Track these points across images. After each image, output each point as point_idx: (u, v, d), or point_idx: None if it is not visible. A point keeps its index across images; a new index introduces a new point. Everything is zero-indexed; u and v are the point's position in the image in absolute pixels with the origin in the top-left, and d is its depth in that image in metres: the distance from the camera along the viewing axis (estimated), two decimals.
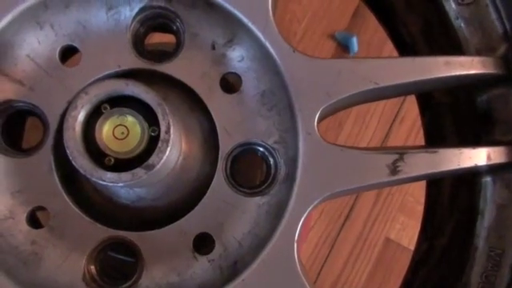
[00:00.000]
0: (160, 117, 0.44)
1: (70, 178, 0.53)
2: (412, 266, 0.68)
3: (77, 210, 0.52)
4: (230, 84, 0.54)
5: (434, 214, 0.68)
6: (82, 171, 0.43)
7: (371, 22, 1.52)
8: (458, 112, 0.62)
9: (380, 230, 1.50)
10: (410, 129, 1.51)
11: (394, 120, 1.52)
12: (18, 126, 0.57)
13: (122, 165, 0.45)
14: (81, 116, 0.44)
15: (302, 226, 0.49)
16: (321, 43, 1.52)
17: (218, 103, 0.53)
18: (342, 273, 1.49)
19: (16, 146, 0.54)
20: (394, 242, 1.49)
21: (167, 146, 0.44)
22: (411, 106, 1.50)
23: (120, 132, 0.45)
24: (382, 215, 1.51)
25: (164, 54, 0.54)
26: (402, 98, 1.52)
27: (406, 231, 1.49)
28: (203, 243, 0.52)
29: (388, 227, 1.50)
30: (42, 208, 0.52)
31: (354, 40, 1.50)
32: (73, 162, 0.43)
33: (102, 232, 0.51)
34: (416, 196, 1.50)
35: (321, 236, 1.49)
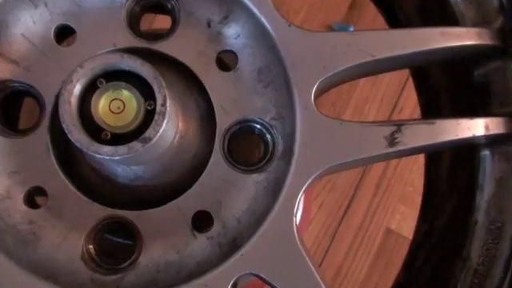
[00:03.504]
0: (156, 89, 0.44)
1: (67, 158, 0.53)
2: (412, 249, 0.68)
3: (74, 189, 0.51)
4: (225, 61, 0.54)
5: (434, 196, 0.68)
6: (78, 145, 0.43)
7: (368, 14, 1.52)
8: (456, 88, 0.62)
9: (380, 221, 1.50)
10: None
11: (392, 110, 1.52)
12: (14, 106, 0.57)
13: (118, 139, 0.44)
14: (76, 90, 0.43)
15: (300, 200, 0.48)
16: None
17: (214, 81, 0.53)
18: (343, 264, 1.49)
19: (12, 126, 0.54)
20: (394, 233, 1.49)
21: (163, 119, 0.44)
22: (410, 96, 1.50)
23: (116, 106, 0.44)
24: (382, 206, 1.51)
25: (159, 35, 0.54)
26: (400, 88, 1.52)
27: (407, 221, 1.49)
28: (202, 221, 0.52)
29: (388, 218, 1.50)
30: (39, 188, 0.51)
31: (351, 30, 1.50)
32: (69, 136, 0.43)
33: (100, 211, 0.51)
34: (416, 186, 1.50)
35: (321, 228, 1.49)
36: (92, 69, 0.44)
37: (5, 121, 0.53)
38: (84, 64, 0.44)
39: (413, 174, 1.51)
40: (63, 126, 0.43)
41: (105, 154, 0.43)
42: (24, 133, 0.52)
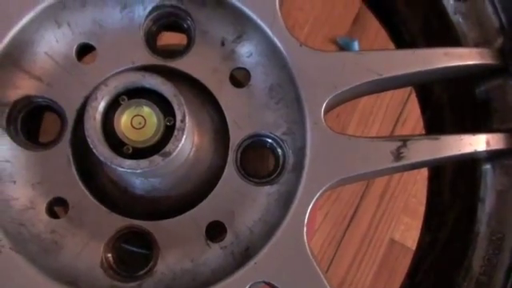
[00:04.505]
0: (175, 107, 0.46)
1: (88, 170, 0.55)
2: (415, 258, 0.70)
3: (94, 200, 0.54)
4: (239, 78, 0.57)
5: (436, 207, 0.70)
6: (102, 159, 0.46)
7: (372, 28, 1.55)
8: (458, 105, 0.64)
9: (384, 232, 1.52)
10: (413, 131, 1.54)
11: (396, 122, 1.55)
12: (36, 121, 0.59)
13: (139, 153, 0.47)
14: (101, 106, 0.46)
15: (310, 211, 0.51)
16: (323, 48, 1.54)
17: (227, 97, 0.55)
18: (348, 274, 1.51)
19: (34, 140, 0.56)
20: (398, 243, 1.51)
21: (183, 135, 0.46)
22: (413, 108, 1.53)
23: (137, 122, 0.47)
24: (386, 217, 1.53)
25: (175, 52, 0.57)
26: (403, 100, 1.54)
27: (410, 232, 1.51)
28: (215, 231, 0.54)
29: (392, 228, 1.52)
30: (60, 199, 0.54)
31: (356, 44, 1.53)
32: (94, 150, 0.46)
33: (119, 221, 0.53)
34: (419, 197, 1.52)
35: (326, 238, 1.51)
36: (115, 87, 0.47)
37: (28, 135, 0.55)
38: (108, 82, 0.46)
39: (416, 185, 1.53)
40: (88, 140, 0.46)
41: (127, 168, 0.46)
42: (46, 146, 0.55)
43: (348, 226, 1.52)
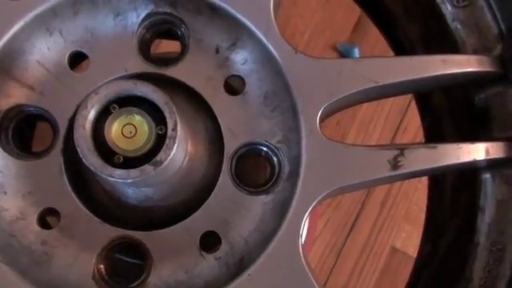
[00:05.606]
0: (167, 115, 0.45)
1: (80, 180, 0.54)
2: (415, 269, 0.69)
3: (86, 210, 0.53)
4: (233, 86, 0.56)
5: (437, 216, 0.69)
6: (92, 168, 0.45)
7: (372, 35, 1.54)
8: (457, 113, 0.63)
9: (385, 239, 1.51)
10: (414, 138, 1.53)
11: (397, 130, 1.54)
12: (28, 130, 0.58)
13: (130, 163, 0.46)
14: (91, 115, 0.45)
15: (306, 220, 0.50)
16: (323, 55, 1.54)
17: (222, 105, 0.54)
18: (349, 283, 1.49)
19: (26, 149, 0.55)
20: (399, 251, 1.50)
21: (174, 143, 0.45)
22: (414, 116, 1.52)
23: (128, 131, 0.46)
24: (387, 224, 1.51)
25: (169, 60, 0.56)
26: (404, 108, 1.53)
27: (412, 240, 1.50)
28: (210, 241, 0.53)
29: (393, 236, 1.51)
30: (52, 209, 0.53)
31: (356, 51, 1.52)
32: (83, 160, 0.45)
33: (111, 232, 0.53)
34: (420, 205, 1.50)
35: (326, 246, 1.50)
36: (106, 95, 0.46)
37: (19, 144, 0.54)
38: (99, 90, 0.46)
39: (418, 193, 1.52)
40: (78, 150, 0.45)
41: (118, 177, 0.45)
42: (38, 155, 0.54)
43: (349, 233, 1.50)
